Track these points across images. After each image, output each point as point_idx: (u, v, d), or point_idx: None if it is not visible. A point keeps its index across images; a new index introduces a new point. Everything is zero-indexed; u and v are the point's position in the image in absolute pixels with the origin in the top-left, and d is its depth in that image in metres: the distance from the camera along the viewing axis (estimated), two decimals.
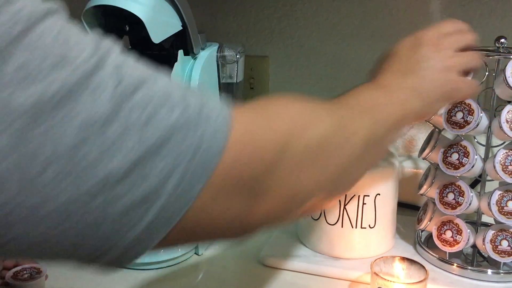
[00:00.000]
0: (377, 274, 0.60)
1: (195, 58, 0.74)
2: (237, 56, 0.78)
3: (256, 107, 0.39)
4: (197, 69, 0.72)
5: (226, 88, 0.80)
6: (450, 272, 0.67)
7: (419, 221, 0.73)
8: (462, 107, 0.64)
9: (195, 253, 0.75)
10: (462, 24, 0.57)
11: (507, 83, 0.61)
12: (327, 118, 0.41)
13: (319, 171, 0.39)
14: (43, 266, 0.62)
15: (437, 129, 0.70)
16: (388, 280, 0.59)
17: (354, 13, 0.89)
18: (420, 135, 0.90)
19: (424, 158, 0.71)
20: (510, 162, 0.63)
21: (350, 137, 0.42)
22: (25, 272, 0.60)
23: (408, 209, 0.86)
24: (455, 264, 0.67)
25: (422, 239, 0.74)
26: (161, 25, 0.66)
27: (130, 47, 0.74)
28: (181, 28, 0.70)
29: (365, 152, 0.44)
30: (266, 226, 0.39)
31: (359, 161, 0.44)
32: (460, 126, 0.64)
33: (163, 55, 0.71)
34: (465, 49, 0.55)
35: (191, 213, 0.32)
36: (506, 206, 0.64)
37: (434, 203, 0.70)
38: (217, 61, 0.78)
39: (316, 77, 0.94)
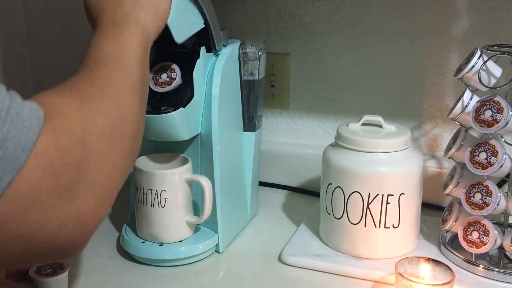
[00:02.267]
0: (401, 275, 0.59)
1: (217, 55, 0.74)
2: (259, 53, 0.78)
3: (53, 106, 0.41)
4: (219, 66, 0.72)
5: (248, 85, 0.79)
6: (476, 274, 0.66)
7: (444, 221, 0.71)
8: (491, 105, 0.63)
9: (215, 250, 0.75)
10: None
11: None
12: (104, 103, 0.45)
13: (120, 153, 0.45)
14: (66, 262, 0.62)
15: (463, 128, 0.69)
16: (413, 281, 0.58)
17: (377, 10, 0.87)
18: (444, 134, 0.88)
19: (450, 158, 0.69)
20: None
21: (124, 105, 0.47)
22: (48, 267, 0.61)
23: (431, 209, 0.84)
24: (481, 266, 0.66)
25: (447, 240, 0.72)
26: (184, 24, 0.66)
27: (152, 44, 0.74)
28: (203, 26, 0.69)
29: (141, 91, 0.51)
30: (98, 222, 0.42)
31: (141, 107, 0.50)
32: (489, 124, 0.63)
33: (185, 52, 0.71)
34: None
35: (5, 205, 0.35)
36: None
37: (459, 203, 0.68)
38: (239, 58, 0.77)
39: (338, 75, 0.93)
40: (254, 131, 0.81)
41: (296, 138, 0.99)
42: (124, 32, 0.52)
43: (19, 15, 1.16)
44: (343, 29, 0.91)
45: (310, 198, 0.93)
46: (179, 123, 0.67)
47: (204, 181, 0.69)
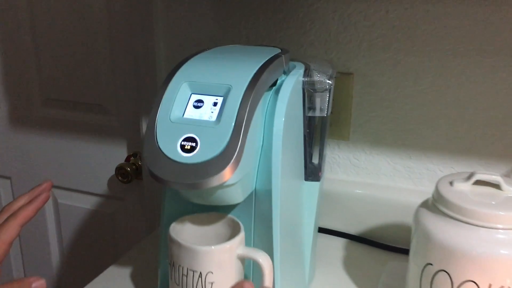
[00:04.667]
0: None
1: (277, 86, 0.56)
2: (329, 82, 0.60)
3: None
4: (283, 102, 0.54)
5: (313, 123, 0.62)
6: None
7: None
8: None
9: None
10: None
11: None
12: None
13: None
14: None
15: None
16: None
17: (472, 21, 0.69)
18: None
19: None
20: None
21: None
22: None
23: None
24: None
25: None
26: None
27: None
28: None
29: None
30: None
31: None
32: None
33: None
34: None
35: None
36: None
37: None
38: (303, 89, 0.60)
39: (415, 102, 0.75)
40: (318, 180, 0.64)
41: (357, 175, 0.81)
42: None
43: (25, 26, 1.05)
44: (424, 46, 0.72)
45: (376, 252, 0.76)
46: (232, 188, 0.50)
47: (263, 260, 0.52)
